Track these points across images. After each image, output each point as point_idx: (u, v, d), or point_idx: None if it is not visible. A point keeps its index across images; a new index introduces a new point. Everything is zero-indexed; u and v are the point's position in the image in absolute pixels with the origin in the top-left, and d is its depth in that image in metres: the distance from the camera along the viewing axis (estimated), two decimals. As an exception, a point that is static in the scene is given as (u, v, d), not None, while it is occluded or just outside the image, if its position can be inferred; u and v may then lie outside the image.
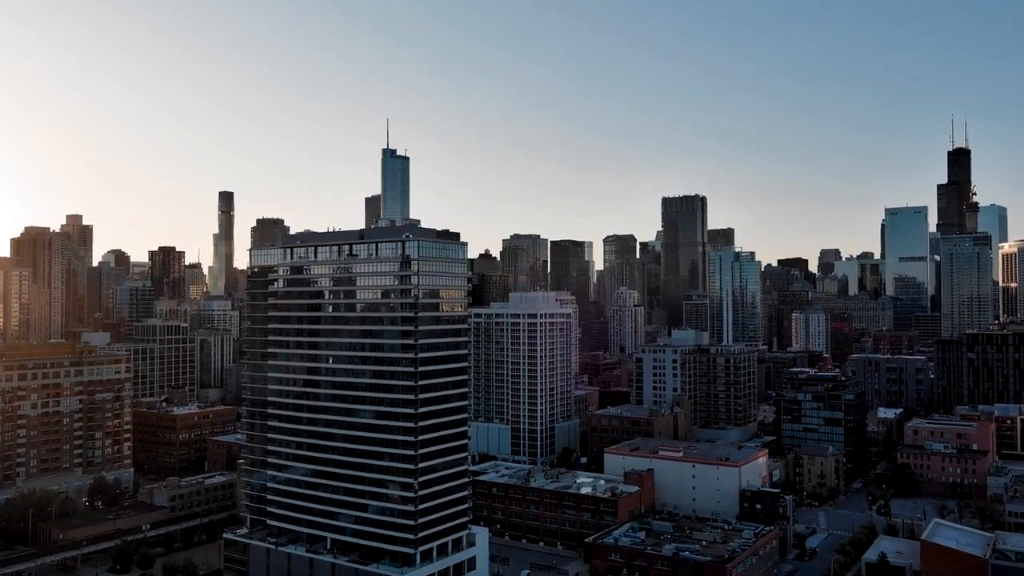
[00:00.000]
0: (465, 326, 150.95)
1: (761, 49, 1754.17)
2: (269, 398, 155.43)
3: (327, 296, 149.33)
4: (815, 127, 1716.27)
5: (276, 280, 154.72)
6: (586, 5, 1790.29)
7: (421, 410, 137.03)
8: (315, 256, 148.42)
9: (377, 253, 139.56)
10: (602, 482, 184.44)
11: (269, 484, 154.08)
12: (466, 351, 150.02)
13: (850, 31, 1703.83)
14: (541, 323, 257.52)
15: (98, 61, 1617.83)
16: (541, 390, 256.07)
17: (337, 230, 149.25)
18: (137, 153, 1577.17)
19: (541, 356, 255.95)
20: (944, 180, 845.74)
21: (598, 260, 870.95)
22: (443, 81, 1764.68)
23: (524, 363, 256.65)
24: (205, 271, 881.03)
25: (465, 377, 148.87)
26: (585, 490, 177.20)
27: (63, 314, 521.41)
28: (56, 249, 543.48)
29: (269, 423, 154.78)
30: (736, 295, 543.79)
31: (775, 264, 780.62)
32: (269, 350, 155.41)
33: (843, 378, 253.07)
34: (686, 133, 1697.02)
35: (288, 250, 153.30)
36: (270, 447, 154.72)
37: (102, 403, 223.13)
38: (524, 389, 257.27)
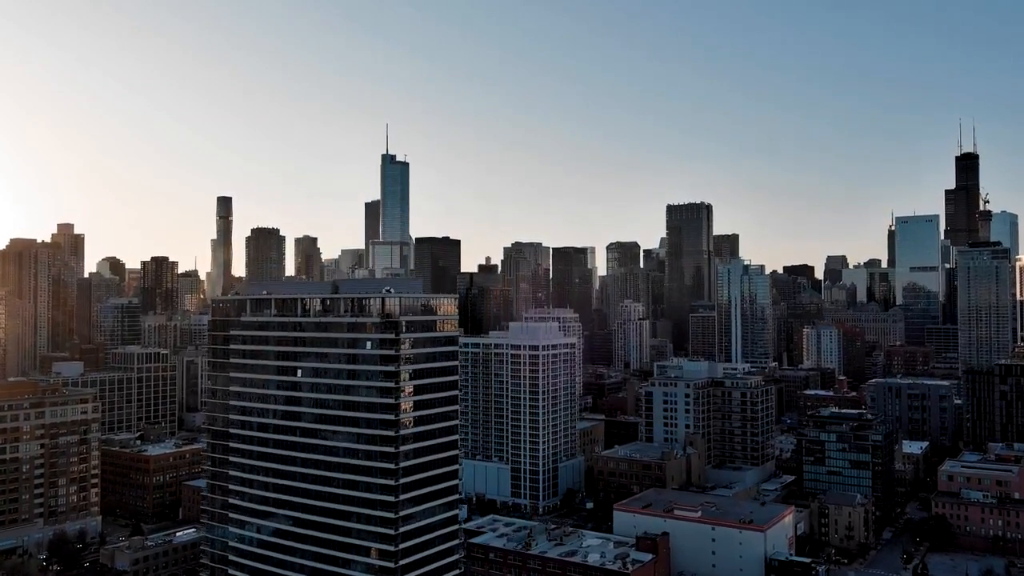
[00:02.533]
0: (456, 350, 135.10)
1: (764, 53, 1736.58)
2: (231, 443, 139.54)
3: (296, 357, 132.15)
4: (818, 130, 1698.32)
5: (239, 337, 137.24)
6: (588, 9, 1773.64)
7: (403, 448, 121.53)
8: (283, 310, 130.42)
9: (353, 311, 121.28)
10: (611, 545, 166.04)
11: (231, 542, 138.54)
12: (457, 378, 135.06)
13: (855, 34, 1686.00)
14: (543, 355, 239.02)
15: (98, 61, 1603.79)
16: (544, 427, 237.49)
17: (311, 281, 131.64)
18: (136, 154, 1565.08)
19: (544, 391, 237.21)
20: (952, 185, 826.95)
21: (601, 266, 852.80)
22: (444, 85, 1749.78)
23: (525, 398, 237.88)
24: (203, 277, 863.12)
25: (455, 408, 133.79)
26: (592, 557, 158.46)
27: (49, 331, 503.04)
28: (43, 263, 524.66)
29: (231, 472, 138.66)
30: (745, 309, 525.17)
31: (780, 271, 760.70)
32: (231, 406, 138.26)
33: (870, 416, 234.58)
34: (688, 137, 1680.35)
35: (255, 301, 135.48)
36: (231, 499, 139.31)
37: (66, 447, 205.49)
38: (525, 426, 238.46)
